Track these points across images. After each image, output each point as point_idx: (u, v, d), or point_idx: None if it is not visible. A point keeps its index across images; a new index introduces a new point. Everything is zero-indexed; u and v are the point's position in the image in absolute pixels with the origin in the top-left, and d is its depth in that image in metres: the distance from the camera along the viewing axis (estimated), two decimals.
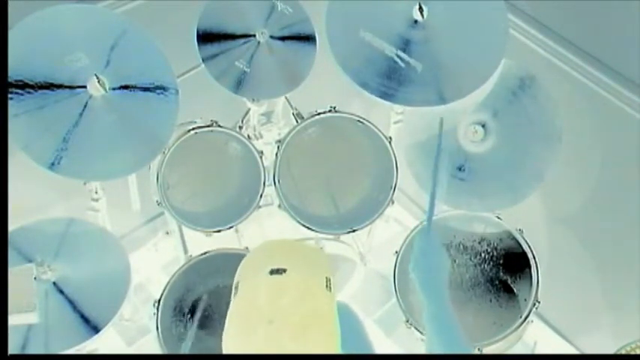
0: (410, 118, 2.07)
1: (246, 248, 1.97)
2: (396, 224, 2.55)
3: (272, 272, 1.13)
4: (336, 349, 1.12)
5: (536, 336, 2.32)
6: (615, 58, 2.10)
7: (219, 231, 2.01)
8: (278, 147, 2.00)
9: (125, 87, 1.78)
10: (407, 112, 2.10)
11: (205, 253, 1.93)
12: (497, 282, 2.05)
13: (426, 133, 1.97)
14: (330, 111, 2.01)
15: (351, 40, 1.87)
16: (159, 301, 1.86)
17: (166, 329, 1.87)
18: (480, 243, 2.07)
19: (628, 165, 2.17)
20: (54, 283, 1.78)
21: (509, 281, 2.04)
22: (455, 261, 2.08)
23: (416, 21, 1.85)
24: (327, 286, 1.15)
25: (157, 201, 1.97)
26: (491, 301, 2.04)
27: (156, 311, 1.85)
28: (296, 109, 2.15)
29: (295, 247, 1.31)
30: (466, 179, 1.96)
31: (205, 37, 1.98)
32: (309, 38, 2.08)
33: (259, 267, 1.16)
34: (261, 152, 2.02)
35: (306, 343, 1.09)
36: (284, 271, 1.13)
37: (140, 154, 1.83)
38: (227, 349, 1.12)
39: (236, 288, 1.16)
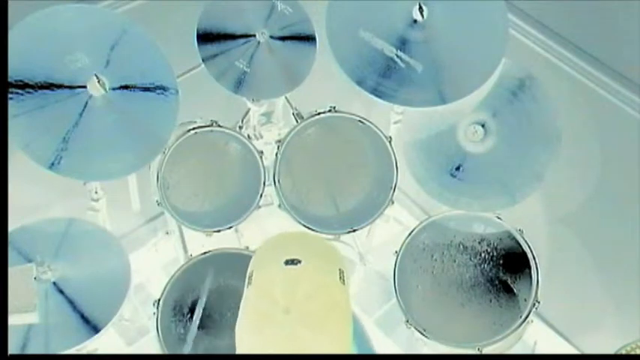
0: (409, 118, 2.07)
1: (247, 248, 1.97)
2: (396, 224, 2.55)
3: (287, 263, 1.13)
4: (350, 341, 1.12)
5: (536, 336, 2.32)
6: (615, 58, 2.10)
7: (219, 231, 2.01)
8: (278, 147, 2.00)
9: (125, 87, 1.78)
10: (407, 111, 2.10)
11: (205, 253, 1.93)
12: (497, 282, 2.05)
13: (425, 132, 1.97)
14: (330, 111, 2.01)
15: (350, 40, 1.87)
16: (159, 301, 1.86)
17: (166, 329, 1.87)
18: (480, 243, 2.07)
19: (628, 165, 2.17)
20: (54, 283, 1.78)
21: (509, 281, 2.04)
22: (455, 261, 2.08)
23: (416, 21, 1.85)
24: (340, 277, 1.15)
25: (157, 201, 1.97)
26: (491, 301, 2.04)
27: (156, 311, 1.84)
28: (296, 109, 2.15)
29: (309, 240, 1.31)
30: (466, 179, 1.96)
31: (205, 37, 1.98)
32: (309, 38, 2.07)
33: (274, 258, 1.15)
34: (261, 152, 2.02)
35: (321, 333, 1.09)
36: (299, 261, 1.13)
37: (140, 154, 1.83)
38: (241, 339, 1.11)
39: (249, 278, 1.16)
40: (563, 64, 2.19)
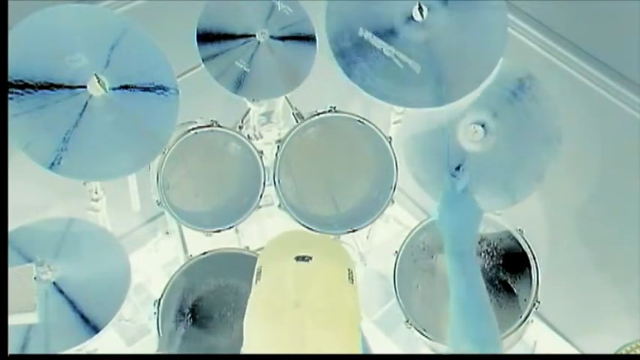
0: (409, 118, 2.07)
1: (247, 248, 1.97)
2: (396, 224, 2.56)
3: (298, 259, 1.14)
4: (358, 341, 1.13)
5: (536, 336, 2.32)
6: (615, 58, 2.10)
7: (219, 231, 2.01)
8: (278, 147, 2.00)
9: (125, 87, 1.78)
10: (407, 111, 2.10)
11: (205, 253, 1.93)
12: (497, 282, 2.05)
13: (425, 132, 1.97)
14: (330, 111, 2.02)
15: (350, 40, 1.87)
16: (159, 300, 1.86)
17: (166, 329, 1.87)
18: (480, 243, 2.07)
19: (628, 165, 2.17)
20: (54, 283, 1.78)
21: (509, 281, 2.04)
22: None
23: (415, 21, 1.85)
24: (349, 277, 1.16)
25: (157, 201, 1.97)
26: (491, 301, 2.04)
27: (156, 311, 1.85)
28: (296, 109, 2.15)
29: (319, 238, 1.32)
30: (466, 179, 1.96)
31: (205, 37, 1.98)
32: (309, 38, 2.08)
33: (284, 254, 1.16)
34: (261, 152, 2.02)
35: (330, 332, 1.10)
36: (310, 258, 1.14)
37: (140, 154, 1.83)
38: (250, 332, 1.12)
39: (258, 274, 1.17)
40: (563, 64, 2.19)
